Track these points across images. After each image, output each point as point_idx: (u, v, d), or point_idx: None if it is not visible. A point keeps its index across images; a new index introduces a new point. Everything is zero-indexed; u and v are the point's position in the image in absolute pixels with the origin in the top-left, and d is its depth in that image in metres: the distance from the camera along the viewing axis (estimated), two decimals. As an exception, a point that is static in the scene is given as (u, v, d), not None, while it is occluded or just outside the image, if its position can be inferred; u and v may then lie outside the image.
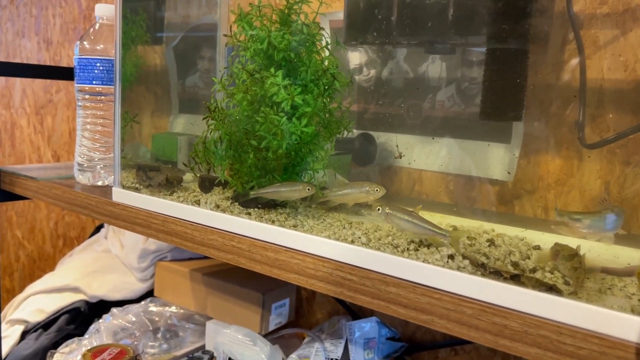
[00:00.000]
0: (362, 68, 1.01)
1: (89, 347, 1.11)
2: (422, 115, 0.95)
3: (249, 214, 0.72)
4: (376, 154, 1.00)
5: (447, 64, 0.92)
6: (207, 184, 0.83)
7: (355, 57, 1.00)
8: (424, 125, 0.95)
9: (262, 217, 0.71)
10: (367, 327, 1.06)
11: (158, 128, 1.26)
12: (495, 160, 0.88)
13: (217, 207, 0.75)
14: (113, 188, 0.88)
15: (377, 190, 0.69)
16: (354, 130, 1.00)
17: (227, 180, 0.76)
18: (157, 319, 1.31)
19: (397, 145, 0.84)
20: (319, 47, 0.75)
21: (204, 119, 0.76)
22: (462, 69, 0.90)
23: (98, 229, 1.71)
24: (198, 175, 0.82)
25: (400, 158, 0.92)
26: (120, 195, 0.87)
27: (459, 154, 0.90)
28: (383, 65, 0.99)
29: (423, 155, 0.94)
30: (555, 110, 0.83)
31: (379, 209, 0.63)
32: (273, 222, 0.70)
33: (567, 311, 0.47)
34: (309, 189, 0.68)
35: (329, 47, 0.77)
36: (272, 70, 0.71)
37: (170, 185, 0.81)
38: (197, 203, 0.77)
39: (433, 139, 0.91)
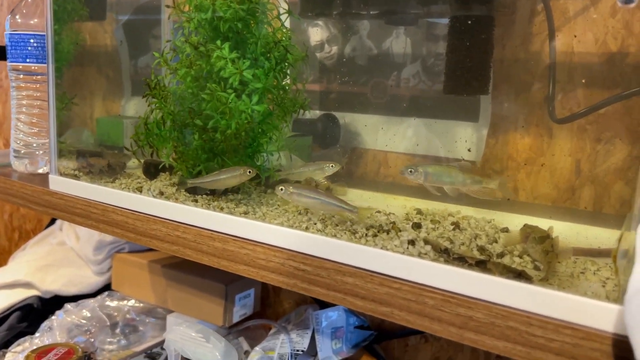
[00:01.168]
0: (323, 44, 0.96)
1: (40, 346, 1.04)
2: (387, 94, 0.91)
3: (196, 200, 0.66)
4: (340, 136, 0.95)
5: (411, 39, 0.87)
6: (152, 170, 0.76)
7: (316, 33, 0.95)
8: (389, 104, 0.90)
9: (210, 204, 0.65)
10: (334, 316, 1.02)
11: (109, 112, 1.19)
12: (462, 139, 0.84)
13: (161, 194, 0.69)
14: (50, 176, 0.81)
15: (331, 166, 0.64)
16: (317, 111, 0.95)
17: (172, 164, 0.70)
18: (114, 313, 1.25)
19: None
20: (270, 18, 0.69)
21: (143, 97, 0.69)
22: (427, 44, 0.86)
23: (53, 221, 1.63)
24: (141, 160, 0.76)
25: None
26: (58, 184, 0.80)
27: (425, 134, 0.86)
28: (345, 41, 0.94)
29: (389, 136, 0.90)
30: (525, 86, 0.79)
31: (281, 189, 0.58)
32: (222, 209, 0.64)
33: (537, 299, 0.42)
34: (249, 172, 0.63)
35: (281, 17, 0.71)
36: (219, 42, 0.65)
37: (112, 172, 0.74)
38: (140, 190, 0.71)
39: (410, 119, 0.87)
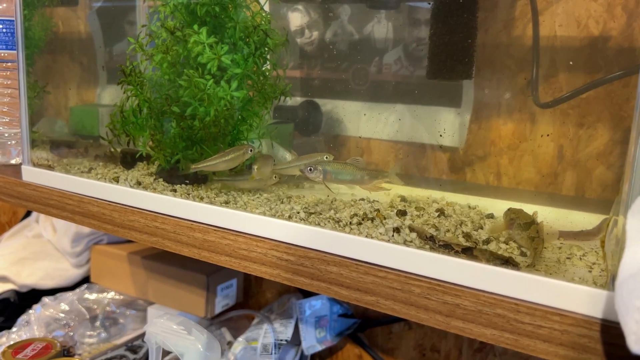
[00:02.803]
0: (304, 30, 0.94)
1: (17, 341, 1.02)
2: (368, 80, 0.90)
3: (175, 190, 0.64)
4: (322, 123, 0.94)
5: (393, 24, 0.86)
6: (129, 159, 0.74)
7: (296, 18, 0.93)
8: (371, 91, 0.89)
9: (189, 194, 0.63)
10: (317, 304, 1.02)
11: (85, 100, 1.16)
12: (445, 126, 0.83)
13: (139, 184, 0.67)
14: (22, 166, 0.79)
15: (325, 157, 0.62)
16: (298, 98, 0.94)
17: (150, 153, 0.68)
18: (94, 306, 1.23)
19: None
20: (249, 1, 0.67)
21: (118, 83, 0.67)
22: (409, 29, 0.85)
23: (29, 213, 1.59)
24: (115, 149, 0.74)
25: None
26: (31, 174, 0.77)
27: (408, 120, 0.85)
28: (325, 27, 0.92)
29: (371, 123, 0.89)
30: (507, 71, 0.78)
31: (310, 169, 0.58)
32: (202, 198, 0.62)
33: (525, 286, 0.42)
34: (251, 150, 0.61)
35: (260, 1, 0.69)
36: (195, 27, 0.63)
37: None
38: (116, 180, 0.69)
39: (393, 105, 0.85)
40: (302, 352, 0.99)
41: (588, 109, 0.74)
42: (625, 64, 0.72)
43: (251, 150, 0.62)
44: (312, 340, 1.00)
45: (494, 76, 0.79)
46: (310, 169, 0.58)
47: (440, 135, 0.82)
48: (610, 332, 0.38)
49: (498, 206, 0.62)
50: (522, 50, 0.77)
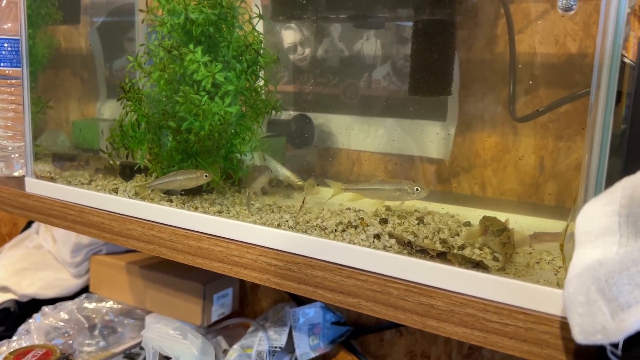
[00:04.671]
0: (297, 47, 0.98)
1: (18, 348, 1.04)
2: (358, 95, 0.93)
3: (171, 200, 0.68)
4: (314, 136, 0.97)
5: (381, 42, 0.89)
6: (127, 171, 0.78)
7: (289, 36, 0.96)
8: (361, 105, 0.92)
9: (184, 204, 0.67)
10: (311, 313, 1.03)
11: (85, 115, 1.19)
12: (431, 138, 0.86)
13: (137, 194, 0.70)
14: (26, 178, 0.82)
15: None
16: (291, 112, 0.97)
17: (147, 165, 0.71)
18: (93, 315, 1.24)
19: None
20: (241, 22, 0.71)
21: (118, 100, 0.71)
22: (396, 46, 0.88)
23: (29, 224, 1.61)
24: (116, 161, 0.77)
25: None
26: (34, 186, 0.80)
27: (396, 133, 0.88)
28: (317, 44, 0.96)
29: (361, 135, 0.92)
30: (490, 86, 0.82)
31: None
32: (196, 208, 0.65)
33: (493, 288, 0.45)
34: (206, 176, 0.65)
35: (252, 21, 0.72)
36: (191, 46, 0.66)
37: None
38: (115, 191, 0.72)
39: (382, 119, 0.89)
40: (296, 359, 1.01)
41: (567, 122, 0.77)
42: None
43: (206, 176, 0.66)
44: (306, 348, 1.01)
45: (478, 91, 0.83)
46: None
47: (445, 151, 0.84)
48: (568, 328, 0.41)
49: (479, 215, 0.66)
50: (505, 66, 0.81)
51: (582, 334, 0.32)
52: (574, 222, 0.39)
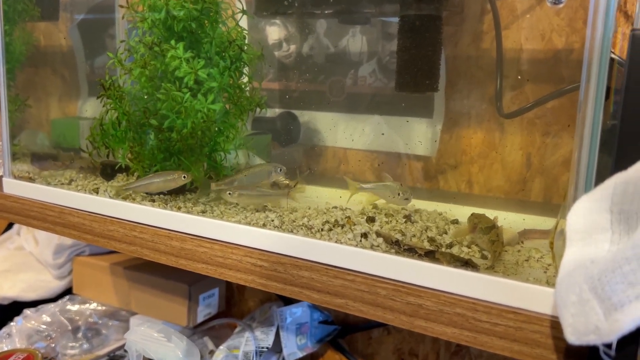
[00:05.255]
0: (282, 43, 0.96)
1: (-1, 353, 1.02)
2: (344, 92, 0.92)
3: (153, 200, 0.66)
4: (300, 134, 0.96)
5: (367, 38, 0.89)
6: (108, 171, 0.76)
7: (274, 32, 0.95)
8: (347, 102, 0.91)
9: (167, 204, 0.65)
10: (298, 312, 1.03)
11: (66, 113, 1.17)
12: (418, 135, 0.85)
13: (118, 194, 0.69)
14: (3, 179, 0.80)
15: (279, 169, 0.65)
16: (276, 110, 0.96)
17: (129, 165, 0.70)
18: (76, 317, 1.22)
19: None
20: (225, 17, 0.70)
21: (98, 97, 0.69)
22: (382, 42, 0.87)
23: (10, 225, 1.58)
24: (96, 161, 0.75)
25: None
26: (12, 187, 0.78)
27: (383, 131, 0.88)
28: (302, 40, 0.95)
29: (348, 133, 0.91)
30: (477, 82, 0.81)
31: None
32: (179, 208, 0.64)
33: (483, 287, 0.44)
34: (184, 177, 0.64)
35: (236, 17, 0.71)
36: (173, 42, 0.65)
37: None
38: (96, 191, 0.70)
39: (368, 116, 0.88)
40: (284, 359, 1.00)
41: (554, 118, 0.77)
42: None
43: (184, 177, 0.65)
44: (293, 347, 1.00)
45: (464, 87, 0.82)
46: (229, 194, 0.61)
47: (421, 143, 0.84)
48: (558, 327, 0.40)
49: (467, 212, 0.65)
50: (491, 62, 0.80)
51: (575, 335, 0.31)
52: (564, 219, 0.39)
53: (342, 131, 0.93)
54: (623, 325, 0.29)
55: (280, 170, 0.68)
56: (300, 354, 1.00)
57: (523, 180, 0.80)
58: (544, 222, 0.66)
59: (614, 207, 0.34)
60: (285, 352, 1.00)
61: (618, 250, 0.32)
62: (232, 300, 1.27)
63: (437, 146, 0.85)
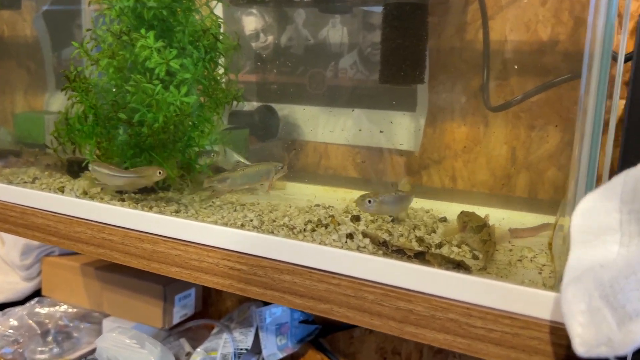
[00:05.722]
0: (259, 34, 0.93)
1: (-37, 360, 0.97)
2: (325, 84, 0.89)
3: (123, 200, 0.62)
4: (279, 128, 0.93)
5: (348, 29, 0.86)
6: (75, 168, 0.71)
7: (250, 22, 0.92)
8: (327, 95, 0.89)
9: (137, 203, 0.61)
10: (278, 312, 1.01)
11: (32, 107, 1.12)
12: (401, 130, 0.83)
13: (85, 193, 0.64)
14: (-39, 178, 0.75)
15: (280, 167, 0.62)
16: (254, 103, 0.93)
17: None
18: (46, 320, 1.19)
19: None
20: (198, 5, 0.66)
21: (62, 89, 0.64)
22: (364, 33, 0.85)
23: (-24, 225, 1.52)
24: (61, 157, 0.71)
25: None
26: (-30, 186, 0.73)
27: (364, 125, 0.85)
28: (280, 31, 0.91)
29: (328, 127, 0.88)
30: (461, 75, 0.79)
31: (369, 201, 0.55)
32: (151, 208, 0.60)
33: (476, 290, 0.42)
34: (159, 173, 0.60)
35: (210, 4, 0.67)
36: (143, 31, 0.61)
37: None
38: (62, 190, 0.66)
39: (353, 110, 0.85)
40: (263, 360, 0.97)
41: (539, 112, 0.75)
42: (572, 67, 0.74)
43: (160, 173, 0.60)
44: (273, 348, 0.98)
45: (447, 80, 0.80)
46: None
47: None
48: (558, 333, 0.38)
49: (452, 209, 0.63)
50: (475, 54, 0.78)
51: (584, 346, 0.29)
52: (563, 217, 0.36)
53: (322, 125, 0.90)
54: (638, 336, 0.26)
55: (281, 168, 0.64)
56: (281, 355, 0.98)
57: (508, 175, 0.79)
58: (528, 219, 0.65)
59: (623, 207, 0.31)
60: (264, 353, 0.98)
61: (629, 253, 0.29)
62: (209, 300, 1.25)
63: (421, 140, 0.83)
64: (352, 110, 0.85)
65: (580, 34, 0.74)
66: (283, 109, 0.92)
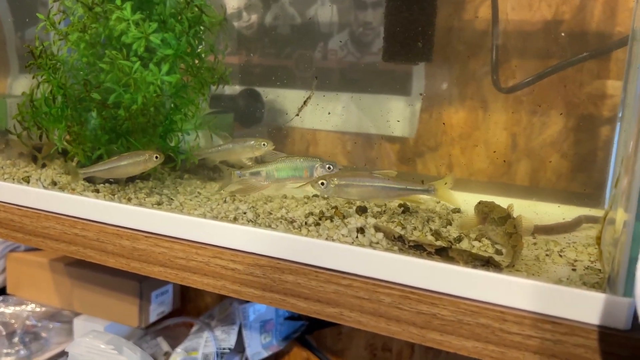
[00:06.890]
0: (242, 12, 0.88)
1: None
2: (313, 67, 0.85)
3: (97, 191, 0.56)
4: (264, 113, 0.88)
5: (339, 6, 0.82)
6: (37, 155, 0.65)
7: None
8: (316, 79, 0.84)
9: (114, 195, 0.55)
10: (262, 308, 0.98)
11: (-7, 92, 1.04)
12: (395, 115, 0.79)
13: (54, 184, 0.58)
14: None
15: (263, 144, 0.56)
16: (237, 87, 0.88)
17: (66, 148, 0.59)
18: (11, 321, 1.15)
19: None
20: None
21: (26, 66, 0.57)
22: (356, 12, 0.80)
23: None
24: (26, 144, 0.64)
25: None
26: None
27: (355, 110, 0.81)
28: (265, 9, 0.86)
29: (317, 113, 0.84)
30: (459, 56, 0.75)
31: (322, 183, 0.47)
32: (130, 199, 0.54)
33: (510, 291, 0.37)
34: (156, 157, 0.53)
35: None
36: (118, 2, 0.55)
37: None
38: (27, 180, 0.59)
39: (340, 94, 0.81)
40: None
41: (542, 95, 0.72)
42: (578, 47, 0.70)
43: (157, 157, 0.54)
44: (257, 347, 0.95)
45: (445, 62, 0.76)
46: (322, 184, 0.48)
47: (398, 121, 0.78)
48: (609, 340, 0.33)
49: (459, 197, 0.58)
50: (475, 35, 0.74)
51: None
52: (614, 211, 0.32)
53: (310, 110, 0.85)
54: None
55: (331, 167, 0.52)
56: (265, 354, 0.95)
57: (508, 162, 0.76)
58: (527, 205, 0.61)
59: None
60: (248, 352, 0.95)
61: None
62: (188, 297, 1.21)
63: (416, 126, 0.79)
64: (343, 94, 0.81)
65: (587, 14, 0.71)
66: (269, 93, 0.88)
